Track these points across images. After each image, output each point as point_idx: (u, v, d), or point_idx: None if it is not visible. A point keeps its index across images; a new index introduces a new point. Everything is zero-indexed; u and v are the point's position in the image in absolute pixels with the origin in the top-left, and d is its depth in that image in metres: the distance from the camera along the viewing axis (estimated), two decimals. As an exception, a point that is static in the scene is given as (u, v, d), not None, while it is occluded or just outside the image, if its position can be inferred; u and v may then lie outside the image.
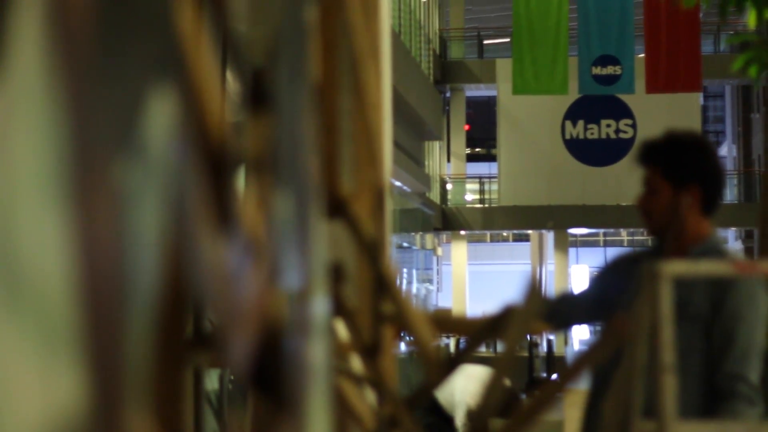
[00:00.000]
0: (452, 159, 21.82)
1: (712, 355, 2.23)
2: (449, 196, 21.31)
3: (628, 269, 2.36)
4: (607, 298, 2.38)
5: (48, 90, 0.51)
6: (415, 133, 17.22)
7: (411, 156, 16.26)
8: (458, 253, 21.10)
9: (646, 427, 1.85)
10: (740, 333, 2.22)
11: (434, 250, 21.45)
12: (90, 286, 0.53)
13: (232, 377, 2.08)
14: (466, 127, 22.13)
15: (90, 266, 0.53)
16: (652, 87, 14.66)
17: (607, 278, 2.47)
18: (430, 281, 20.97)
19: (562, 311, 2.49)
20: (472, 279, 22.56)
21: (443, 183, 21.26)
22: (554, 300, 2.54)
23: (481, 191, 22.11)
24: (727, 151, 24.85)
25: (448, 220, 20.39)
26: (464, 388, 4.85)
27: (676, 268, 1.99)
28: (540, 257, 20.83)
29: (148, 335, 0.61)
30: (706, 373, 2.24)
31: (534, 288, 1.21)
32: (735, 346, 2.22)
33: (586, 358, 1.76)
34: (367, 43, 1.74)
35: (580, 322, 2.63)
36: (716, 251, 2.31)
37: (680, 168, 2.33)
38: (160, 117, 0.63)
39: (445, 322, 2.03)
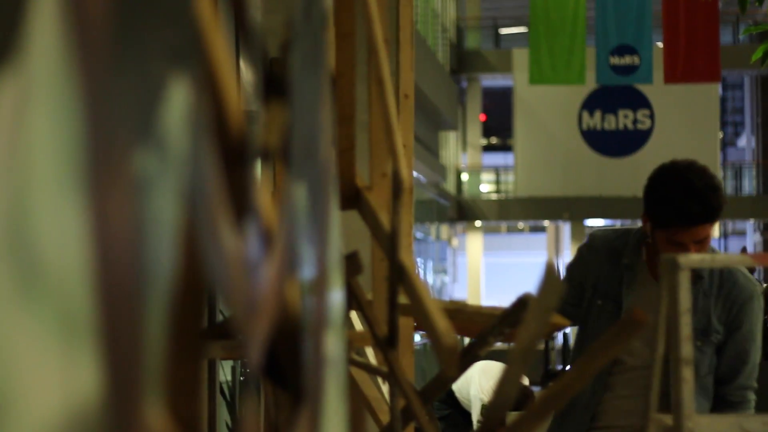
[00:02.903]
0: (468, 149, 21.77)
1: (721, 369, 2.36)
2: (465, 187, 21.27)
3: (608, 257, 2.37)
4: (584, 290, 2.36)
5: (65, 79, 0.51)
6: (430, 123, 17.18)
7: (426, 146, 16.23)
8: (473, 244, 21.06)
9: (663, 420, 1.84)
10: (753, 351, 2.36)
11: (449, 241, 21.43)
12: (107, 277, 0.53)
13: (244, 369, 2.08)
14: (482, 117, 22.07)
15: (107, 257, 0.53)
16: (671, 77, 14.56)
17: (583, 268, 2.42)
18: (446, 272, 20.95)
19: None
20: (487, 270, 22.51)
21: (459, 173, 21.22)
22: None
23: (497, 182, 22.05)
24: (745, 142, 24.68)
25: (463, 211, 20.35)
26: (480, 384, 4.85)
27: (693, 259, 1.98)
28: (556, 249, 20.78)
29: (165, 326, 0.61)
30: (712, 383, 2.36)
31: (551, 280, 1.20)
32: (749, 364, 2.36)
33: (601, 350, 1.74)
34: (384, 33, 1.73)
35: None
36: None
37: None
38: (178, 106, 0.63)
39: (459, 314, 2.02)
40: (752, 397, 2.37)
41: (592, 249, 2.40)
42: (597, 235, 2.43)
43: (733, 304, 2.31)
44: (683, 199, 2.21)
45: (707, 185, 2.23)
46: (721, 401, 2.34)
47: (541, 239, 24.36)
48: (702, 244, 2.23)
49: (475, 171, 21.71)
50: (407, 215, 1.89)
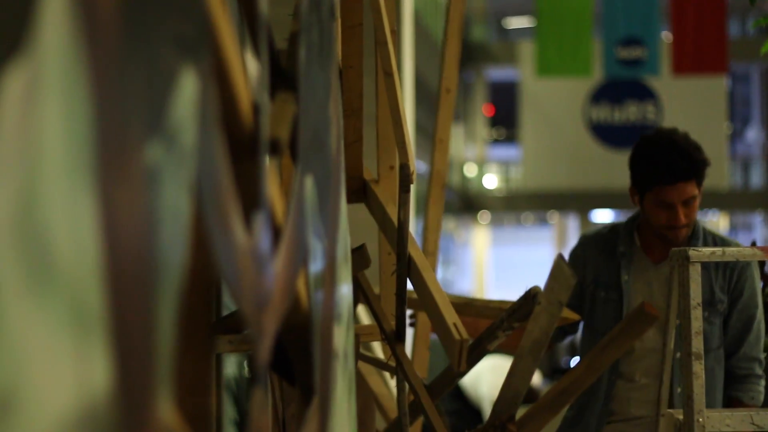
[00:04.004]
0: (474, 142, 21.75)
1: (726, 340, 2.42)
2: (471, 180, 21.26)
3: (604, 249, 2.47)
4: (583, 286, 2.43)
5: (75, 70, 0.50)
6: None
7: (432, 139, 16.17)
8: (479, 237, 21.05)
9: (675, 414, 1.83)
10: (757, 318, 2.42)
11: (455, 234, 21.42)
12: (119, 271, 0.52)
13: (249, 363, 2.07)
14: (490, 109, 22.04)
15: (117, 249, 0.52)
16: (679, 68, 14.52)
17: (580, 267, 2.48)
18: (451, 266, 20.94)
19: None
20: (493, 264, 22.49)
21: (464, 166, 21.20)
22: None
23: (504, 175, 22.03)
24: (753, 135, 24.60)
25: (469, 204, 20.34)
26: (490, 381, 4.82)
27: (704, 252, 1.97)
28: (562, 242, 20.75)
29: (176, 320, 0.60)
30: (724, 356, 2.42)
31: (561, 274, 1.19)
32: (752, 331, 2.42)
33: (612, 344, 1.73)
34: (391, 24, 1.72)
35: None
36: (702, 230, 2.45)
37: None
38: (188, 98, 0.62)
39: (468, 308, 2.01)
40: (759, 371, 2.41)
41: (585, 246, 2.53)
42: (587, 234, 2.58)
43: (733, 271, 2.41)
44: (669, 155, 2.35)
45: (691, 144, 2.39)
46: (728, 375, 2.41)
47: (547, 233, 24.34)
48: (690, 207, 2.36)
49: (481, 164, 21.69)
50: (436, 212, 1.87)
